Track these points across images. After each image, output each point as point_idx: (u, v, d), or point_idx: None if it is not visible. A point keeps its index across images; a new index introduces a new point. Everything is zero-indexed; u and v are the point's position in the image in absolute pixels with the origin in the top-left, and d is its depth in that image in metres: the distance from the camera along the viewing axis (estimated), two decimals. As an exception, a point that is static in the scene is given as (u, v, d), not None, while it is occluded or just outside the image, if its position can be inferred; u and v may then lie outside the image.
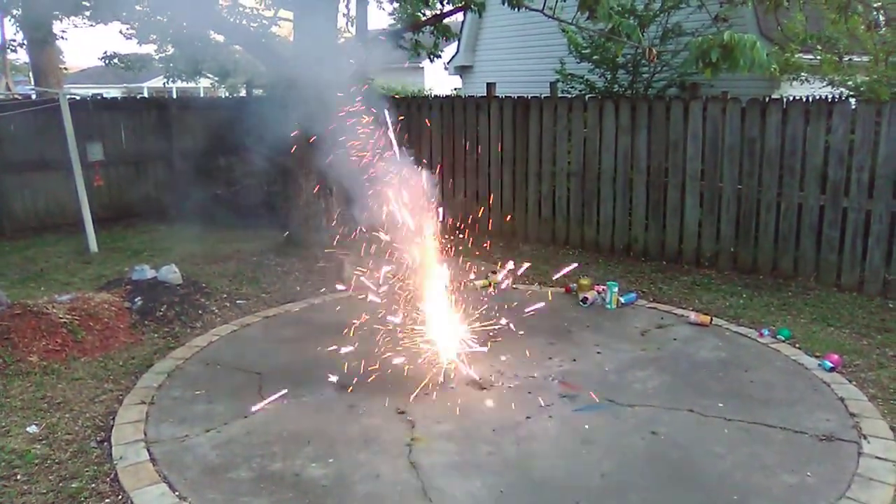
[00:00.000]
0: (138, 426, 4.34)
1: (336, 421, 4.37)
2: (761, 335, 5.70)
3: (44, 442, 4.22)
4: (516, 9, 7.28)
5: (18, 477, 3.86)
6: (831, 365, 5.01)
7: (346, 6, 10.01)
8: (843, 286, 6.85)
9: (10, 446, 4.15)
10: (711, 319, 6.02)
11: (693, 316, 6.08)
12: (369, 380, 4.85)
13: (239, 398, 4.70)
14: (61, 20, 10.35)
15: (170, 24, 9.72)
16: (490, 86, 9.59)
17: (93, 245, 8.60)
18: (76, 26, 11.25)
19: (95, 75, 30.20)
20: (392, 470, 3.83)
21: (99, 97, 13.27)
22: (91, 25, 10.67)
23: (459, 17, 14.15)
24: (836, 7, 6.95)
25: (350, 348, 5.16)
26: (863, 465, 3.81)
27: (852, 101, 7.36)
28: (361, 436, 4.19)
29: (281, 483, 3.73)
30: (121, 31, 11.02)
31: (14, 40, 12.79)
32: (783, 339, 5.60)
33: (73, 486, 3.77)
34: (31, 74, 16.37)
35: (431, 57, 11.20)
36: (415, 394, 4.68)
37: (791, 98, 7.95)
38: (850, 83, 8.61)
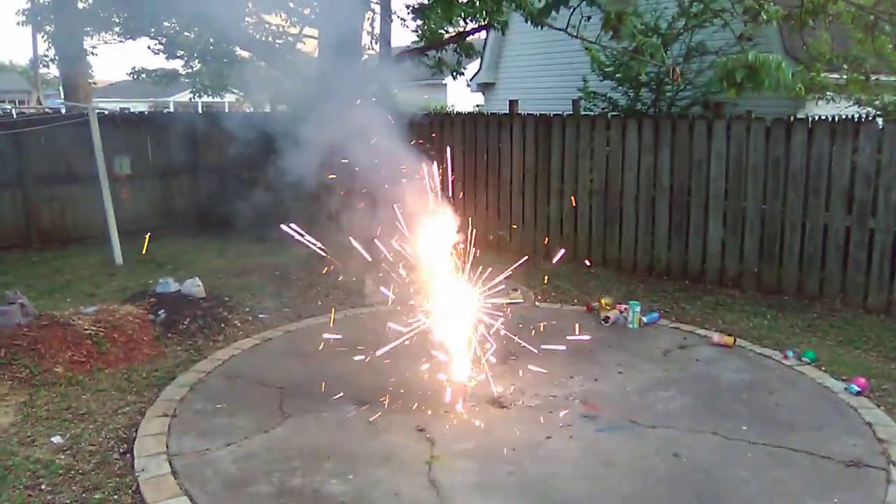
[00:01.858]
0: (160, 439, 4.37)
1: (356, 437, 4.37)
2: (786, 357, 5.62)
3: (68, 452, 4.27)
4: (539, 27, 7.32)
5: (43, 487, 3.91)
6: (858, 389, 4.92)
7: (371, 24, 10.12)
8: (870, 308, 6.75)
9: (35, 456, 4.21)
10: (735, 340, 5.95)
11: (716, 337, 6.01)
12: (389, 396, 4.85)
13: (260, 412, 4.71)
14: (92, 36, 10.58)
15: (197, 41, 9.91)
16: (513, 103, 9.61)
17: (118, 257, 8.71)
18: (106, 42, 11.50)
19: (123, 89, 30.71)
20: (412, 488, 3.82)
21: (127, 111, 13.49)
22: (120, 41, 10.87)
23: (482, 34, 14.23)
24: (862, 26, 6.91)
25: (370, 364, 5.16)
26: (892, 494, 3.72)
27: (879, 120, 7.29)
28: (381, 453, 4.18)
29: (301, 498, 3.73)
30: (149, 47, 11.23)
31: (46, 55, 13.08)
32: (808, 361, 5.52)
33: (95, 497, 3.80)
34: (61, 88, 16.69)
35: (454, 74, 11.28)
36: (435, 411, 4.67)
37: (816, 118, 7.89)
38: (877, 103, 8.55)
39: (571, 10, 5.33)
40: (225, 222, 9.96)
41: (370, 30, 10.30)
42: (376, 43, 10.25)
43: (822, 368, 5.43)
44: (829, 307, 6.87)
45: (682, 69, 9.72)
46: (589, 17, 5.78)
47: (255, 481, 3.89)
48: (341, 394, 4.91)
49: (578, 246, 8.87)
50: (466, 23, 9.97)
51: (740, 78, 4.36)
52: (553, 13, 6.48)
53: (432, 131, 10.00)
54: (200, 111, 16.67)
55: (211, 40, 9.93)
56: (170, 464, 4.07)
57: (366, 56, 11.18)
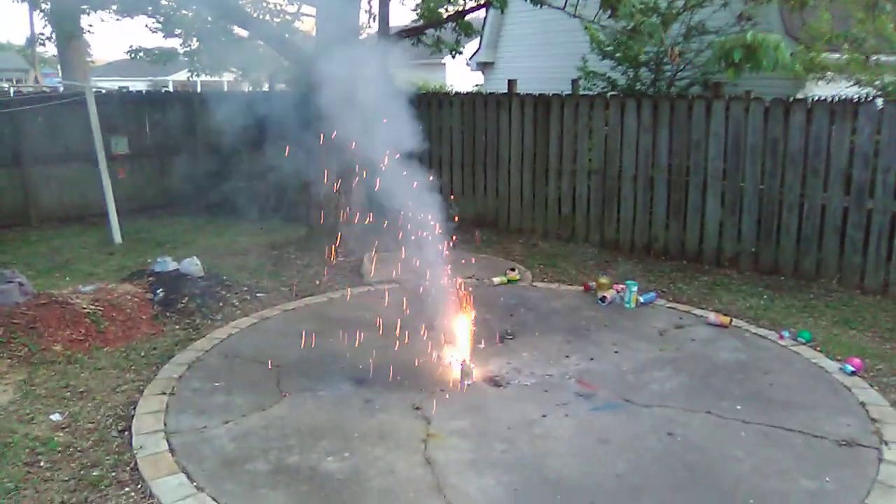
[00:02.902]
0: (158, 416, 4.40)
1: (352, 416, 4.41)
2: (781, 337, 5.64)
3: (67, 430, 4.30)
4: (538, 6, 7.26)
5: (42, 464, 3.94)
6: (853, 369, 4.95)
7: (369, 2, 10.02)
8: (866, 288, 6.76)
9: (34, 433, 4.24)
10: (731, 320, 5.97)
11: (712, 316, 6.03)
12: (386, 375, 4.87)
13: (257, 391, 4.74)
14: (88, 14, 10.47)
15: (195, 19, 9.81)
16: (511, 83, 9.57)
17: (117, 236, 8.71)
18: (102, 20, 11.40)
19: (122, 68, 30.45)
20: (407, 466, 3.85)
21: (125, 90, 13.41)
22: (117, 19, 10.76)
23: (481, 13, 14.11)
24: (863, 6, 6.84)
25: (368, 343, 5.19)
26: (883, 472, 3.76)
27: (879, 101, 7.25)
28: (377, 431, 4.21)
29: (297, 476, 3.77)
30: (146, 25, 11.12)
31: (42, 34, 12.98)
32: (804, 341, 5.55)
33: (94, 474, 3.84)
34: (59, 67, 16.56)
35: (453, 53, 11.17)
36: (431, 390, 4.70)
37: (816, 98, 7.85)
38: (877, 83, 8.48)
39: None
40: (224, 202, 9.98)
41: (368, 8, 10.18)
42: (374, 21, 10.15)
43: (818, 348, 5.45)
44: (826, 287, 6.89)
45: (681, 49, 9.67)
46: (587, -5, 5.74)
47: (252, 459, 3.93)
48: (338, 372, 4.95)
49: (577, 226, 8.88)
50: (465, 1, 9.87)
51: (738, 58, 4.33)
52: None
53: (430, 111, 9.97)
54: (199, 90, 16.59)
55: (209, 18, 9.84)
56: (167, 441, 4.10)
57: (364, 35, 11.09)
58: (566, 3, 6.26)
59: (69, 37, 11.66)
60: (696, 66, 9.91)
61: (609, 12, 4.93)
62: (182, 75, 24.07)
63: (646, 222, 8.26)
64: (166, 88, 19.77)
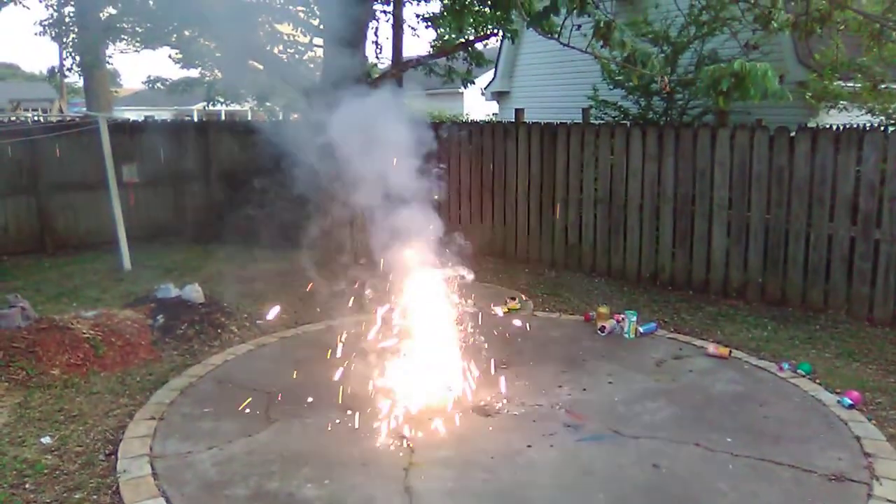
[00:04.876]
0: (145, 441, 4.43)
1: (337, 443, 4.40)
2: (781, 369, 5.53)
3: (55, 453, 4.35)
4: (549, 37, 7.27)
5: (27, 486, 3.99)
6: (850, 402, 4.83)
7: (375, 33, 10.18)
8: (875, 320, 6.62)
9: (23, 456, 4.30)
10: (730, 352, 5.87)
11: (711, 348, 5.94)
12: (375, 403, 4.85)
13: (245, 417, 4.76)
14: (107, 46, 10.80)
15: (214, 50, 10.05)
16: (518, 111, 9.62)
17: (126, 263, 8.85)
18: (122, 52, 11.73)
19: (147, 98, 31.01)
20: (385, 494, 3.83)
21: (152, 118, 13.72)
22: (136, 51, 11.08)
23: (495, 43, 14.24)
24: (868, 34, 6.79)
25: (360, 371, 5.18)
26: (871, 508, 3.66)
27: (892, 129, 7.16)
28: (360, 459, 4.20)
29: (274, 502, 3.76)
30: (170, 56, 11.42)
31: (63, 65, 13.38)
32: (803, 373, 5.43)
33: (76, 496, 3.88)
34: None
35: (465, 83, 11.29)
36: (419, 419, 4.67)
37: (823, 126, 7.77)
38: (891, 111, 8.40)
39: (563, 18, 5.32)
40: (235, 229, 10.09)
41: (374, 39, 10.35)
42: (381, 52, 10.32)
43: (817, 381, 5.34)
44: (833, 319, 6.75)
45: (692, 77, 9.64)
46: (579, 27, 5.74)
47: (232, 484, 3.93)
48: (327, 400, 4.94)
49: (583, 255, 8.83)
50: (477, 31, 9.99)
51: (726, 86, 4.32)
52: (553, 17, 6.43)
53: (437, 140, 10.02)
54: (223, 119, 16.91)
55: (226, 51, 10.09)
56: (151, 466, 4.13)
57: (378, 65, 11.26)
58: (560, 33, 6.27)
59: (91, 68, 11.99)
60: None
61: (601, 42, 4.95)
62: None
63: (652, 252, 8.20)
64: (188, 117, 20.16)
